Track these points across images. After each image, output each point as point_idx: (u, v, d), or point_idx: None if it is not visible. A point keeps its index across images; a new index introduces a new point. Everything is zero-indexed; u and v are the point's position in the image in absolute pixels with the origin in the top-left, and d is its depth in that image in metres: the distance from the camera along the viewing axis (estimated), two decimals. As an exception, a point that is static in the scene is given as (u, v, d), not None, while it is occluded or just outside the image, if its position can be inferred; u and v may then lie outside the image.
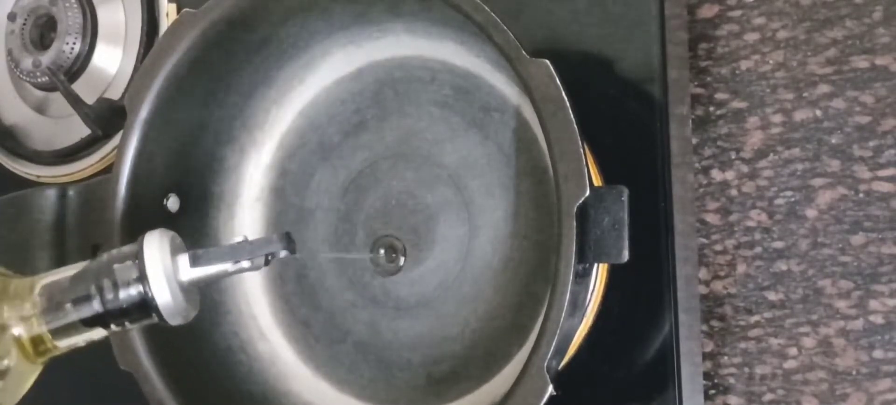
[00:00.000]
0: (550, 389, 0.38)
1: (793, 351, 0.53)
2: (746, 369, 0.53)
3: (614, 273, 0.50)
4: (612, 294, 0.50)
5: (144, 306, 0.37)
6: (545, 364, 0.38)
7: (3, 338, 0.37)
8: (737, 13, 0.55)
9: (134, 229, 0.49)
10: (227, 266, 0.39)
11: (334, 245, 0.56)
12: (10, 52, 0.65)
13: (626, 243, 0.39)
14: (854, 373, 0.51)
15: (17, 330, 0.37)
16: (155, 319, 0.38)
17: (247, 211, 0.57)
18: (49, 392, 0.67)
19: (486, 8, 0.42)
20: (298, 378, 0.55)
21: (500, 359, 0.50)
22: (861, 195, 0.52)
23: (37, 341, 0.37)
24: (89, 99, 0.63)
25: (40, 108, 0.67)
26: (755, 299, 0.54)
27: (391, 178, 0.54)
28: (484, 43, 0.44)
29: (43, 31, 0.65)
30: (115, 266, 0.37)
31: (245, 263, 0.39)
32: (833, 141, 0.53)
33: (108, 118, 0.63)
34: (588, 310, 0.49)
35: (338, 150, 0.56)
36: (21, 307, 0.37)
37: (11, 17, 0.65)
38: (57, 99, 0.65)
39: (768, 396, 0.53)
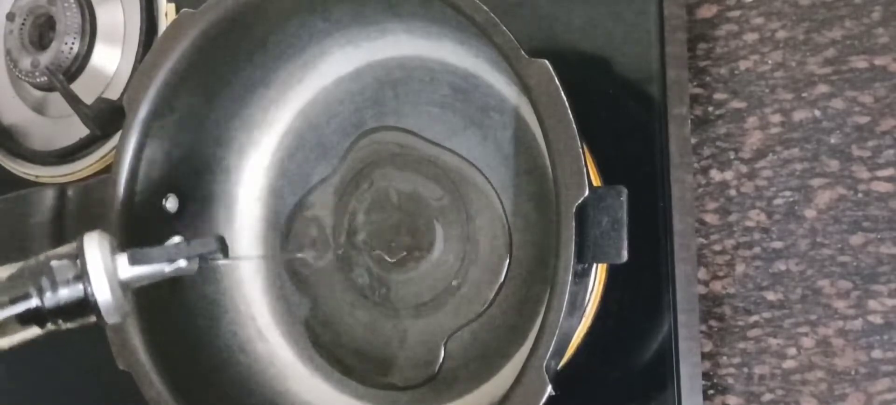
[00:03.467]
0: (549, 389, 0.38)
1: (792, 351, 0.53)
2: (745, 369, 0.53)
3: (613, 273, 0.50)
4: (611, 294, 0.50)
5: (83, 305, 0.37)
6: (544, 364, 0.38)
7: None
8: (736, 13, 0.55)
9: (133, 229, 0.49)
10: (164, 266, 0.40)
11: (334, 245, 0.56)
12: (8, 52, 0.65)
13: (625, 243, 0.39)
14: (853, 373, 0.51)
15: None
16: (91, 319, 0.38)
17: (246, 211, 0.57)
18: (49, 392, 0.67)
19: (486, 8, 0.42)
20: (297, 378, 0.55)
21: (498, 360, 0.50)
22: (860, 195, 0.52)
23: None
24: (88, 99, 0.63)
25: (39, 108, 0.67)
26: (754, 299, 0.54)
27: (390, 179, 0.54)
28: (483, 43, 0.44)
29: (42, 31, 0.65)
30: (54, 264, 0.37)
31: (181, 263, 0.40)
32: (832, 141, 0.53)
33: (106, 118, 0.63)
34: (587, 310, 0.49)
35: (337, 150, 0.56)
36: None
37: (10, 16, 0.65)
38: (56, 99, 0.65)
39: (767, 396, 0.53)
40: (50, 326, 0.38)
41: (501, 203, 0.52)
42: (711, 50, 0.56)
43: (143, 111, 0.49)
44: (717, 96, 0.55)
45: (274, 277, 0.57)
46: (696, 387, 0.50)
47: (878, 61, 0.52)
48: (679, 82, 0.52)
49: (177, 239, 0.41)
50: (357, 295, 0.55)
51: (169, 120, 0.50)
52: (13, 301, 0.37)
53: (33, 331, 0.38)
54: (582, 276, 0.40)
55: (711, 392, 0.54)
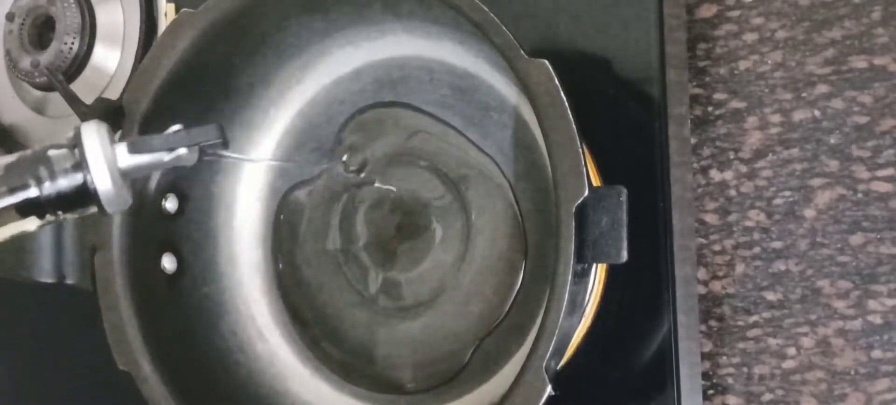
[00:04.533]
0: (549, 389, 0.38)
1: (791, 351, 0.53)
2: (745, 369, 0.53)
3: (613, 273, 0.50)
4: (611, 294, 0.50)
5: (83, 194, 0.37)
6: (544, 364, 0.38)
7: None
8: (735, 13, 0.55)
9: (133, 230, 0.49)
10: (163, 155, 0.39)
11: (333, 245, 0.56)
12: (8, 53, 0.65)
13: (624, 243, 0.39)
14: (852, 373, 0.51)
15: None
16: (92, 209, 0.38)
17: (245, 211, 0.57)
18: (49, 392, 0.67)
19: (485, 8, 0.42)
20: (297, 378, 0.55)
21: (498, 359, 0.50)
22: (860, 195, 0.52)
23: None
24: (88, 99, 0.63)
25: (39, 108, 0.67)
26: (754, 299, 0.54)
27: (390, 179, 0.54)
28: (483, 43, 0.44)
29: (41, 31, 0.65)
30: (52, 153, 0.37)
31: (181, 151, 0.39)
32: (832, 141, 0.53)
33: (106, 118, 0.63)
34: (587, 310, 0.49)
35: (336, 150, 0.56)
36: None
37: (10, 17, 0.65)
38: (55, 99, 0.65)
39: (767, 396, 0.53)
40: (49, 217, 0.37)
41: (501, 203, 0.51)
42: (711, 50, 0.56)
43: (142, 111, 0.49)
44: (717, 96, 0.55)
45: (273, 277, 0.57)
46: (695, 387, 0.50)
47: (878, 61, 0.52)
48: (679, 82, 0.52)
49: (176, 127, 0.40)
50: (356, 295, 0.55)
51: (168, 120, 0.50)
52: (11, 190, 0.36)
53: (33, 222, 0.37)
54: (582, 276, 0.40)
55: (711, 392, 0.54)
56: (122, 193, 0.38)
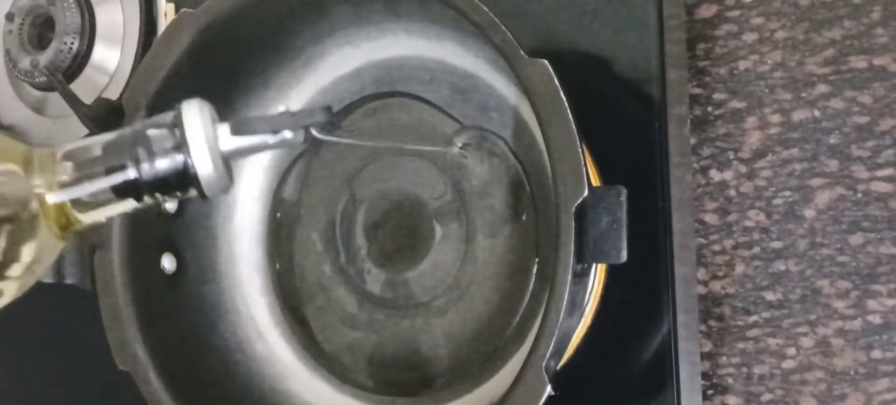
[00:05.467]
0: (549, 389, 0.38)
1: (791, 351, 0.53)
2: (745, 369, 0.53)
3: (613, 273, 0.50)
4: (611, 294, 0.50)
5: (183, 177, 0.35)
6: (544, 364, 0.38)
7: (28, 209, 0.34)
8: (735, 13, 0.55)
9: (132, 230, 0.49)
10: (268, 137, 0.36)
11: (333, 245, 0.56)
12: (8, 53, 0.65)
13: (624, 243, 0.39)
14: (852, 373, 0.51)
15: (44, 199, 0.34)
16: (191, 193, 0.35)
17: (245, 211, 0.57)
18: (49, 392, 0.67)
19: (485, 8, 0.42)
20: (297, 378, 0.55)
21: (498, 359, 0.50)
22: (859, 195, 0.52)
23: (61, 212, 0.35)
24: (87, 99, 0.63)
25: (38, 108, 0.67)
26: (753, 299, 0.54)
27: (389, 179, 0.54)
28: (482, 43, 0.44)
29: (41, 31, 0.65)
30: (151, 132, 0.35)
31: (287, 134, 0.36)
32: (831, 141, 0.53)
33: (106, 118, 0.63)
34: (586, 310, 0.49)
35: (336, 151, 0.56)
36: (47, 175, 0.34)
37: (9, 17, 0.65)
38: (55, 99, 0.65)
39: (766, 396, 0.53)
40: (147, 199, 0.35)
41: (500, 203, 0.51)
42: (711, 50, 0.56)
43: (142, 111, 0.48)
44: (717, 96, 0.55)
45: (273, 277, 0.57)
46: (695, 387, 0.50)
47: (878, 61, 0.52)
48: (679, 82, 0.52)
49: (282, 107, 0.37)
50: (356, 295, 0.55)
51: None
52: (108, 171, 0.34)
53: (130, 204, 0.35)
54: (581, 276, 0.40)
55: (711, 392, 0.54)
56: (223, 176, 0.35)
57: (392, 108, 0.55)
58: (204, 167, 0.35)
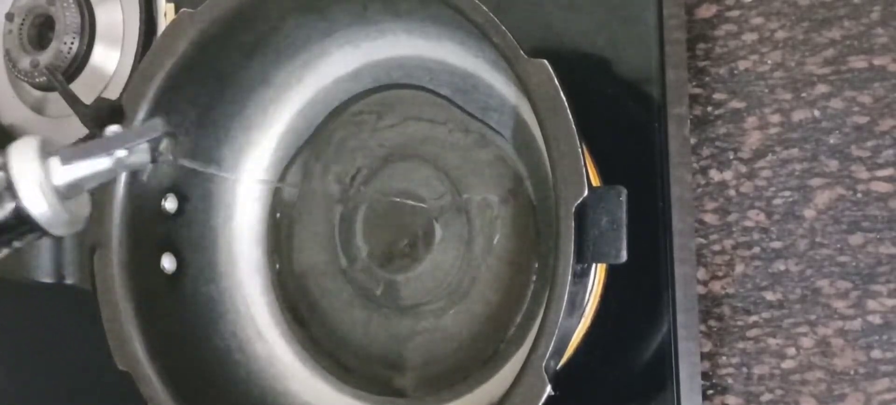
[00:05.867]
0: (549, 389, 0.38)
1: (791, 351, 0.53)
2: (744, 369, 0.53)
3: (613, 273, 0.50)
4: (611, 294, 0.50)
5: (21, 220, 0.33)
6: (543, 364, 0.38)
7: None
8: (735, 13, 0.55)
9: (132, 229, 0.49)
10: (104, 161, 0.35)
11: (333, 246, 0.56)
12: (7, 53, 0.65)
13: (624, 243, 0.39)
14: (852, 373, 0.51)
15: None
16: (37, 234, 0.34)
17: (244, 211, 0.57)
18: (49, 392, 0.67)
19: (485, 8, 0.42)
20: (296, 378, 0.55)
21: (498, 360, 0.50)
22: (859, 195, 0.52)
23: None
24: (87, 99, 0.63)
25: (38, 108, 0.67)
26: (753, 299, 0.54)
27: (389, 179, 0.54)
28: (482, 43, 0.44)
29: (41, 31, 0.65)
30: None
31: (121, 153, 0.35)
32: (831, 141, 0.53)
33: (106, 118, 0.63)
34: (586, 310, 0.49)
35: (336, 151, 0.56)
36: None
37: (9, 16, 0.65)
38: (55, 99, 0.65)
39: (766, 396, 0.53)
40: (2, 249, 0.34)
41: (500, 203, 0.51)
42: (711, 50, 0.56)
43: (142, 111, 0.49)
44: (717, 96, 0.55)
45: (273, 277, 0.57)
46: (695, 387, 0.50)
47: (878, 61, 0.52)
48: (678, 82, 0.52)
49: (115, 127, 0.36)
50: (356, 295, 0.55)
51: (168, 120, 0.50)
52: None
53: None
54: (581, 276, 0.40)
55: (711, 392, 0.54)
56: (59, 212, 0.34)
57: (404, 100, 0.55)
58: (36, 207, 0.33)
